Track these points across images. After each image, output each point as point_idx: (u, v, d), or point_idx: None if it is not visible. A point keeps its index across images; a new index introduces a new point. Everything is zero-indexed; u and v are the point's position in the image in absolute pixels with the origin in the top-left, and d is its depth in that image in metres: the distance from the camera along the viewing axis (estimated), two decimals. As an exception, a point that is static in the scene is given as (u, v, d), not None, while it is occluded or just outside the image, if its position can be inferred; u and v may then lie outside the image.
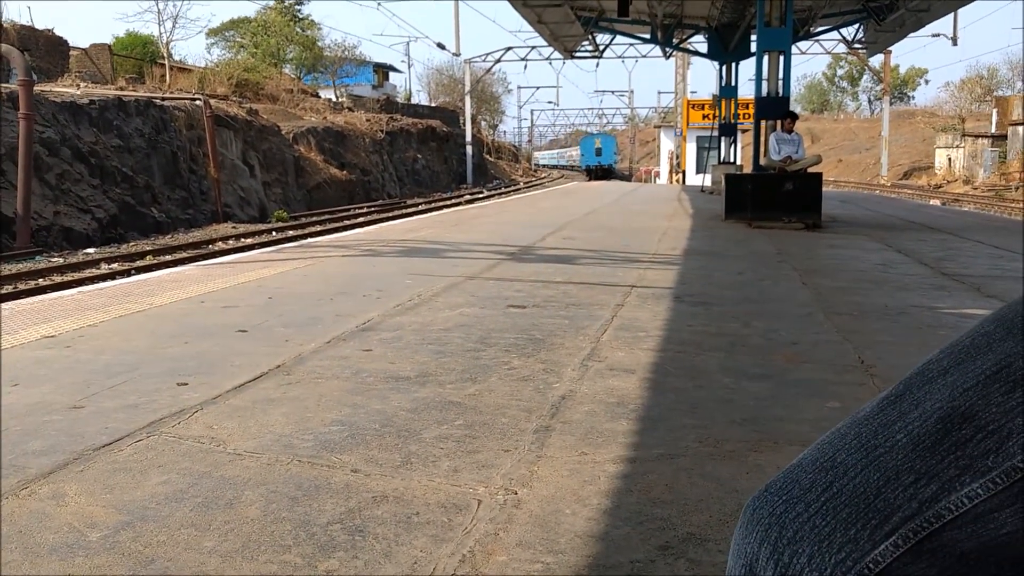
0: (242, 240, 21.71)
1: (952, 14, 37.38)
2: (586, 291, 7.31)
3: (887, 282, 7.99)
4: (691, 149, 46.85)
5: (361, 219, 28.74)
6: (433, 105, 69.77)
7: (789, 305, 6.74)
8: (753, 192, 14.91)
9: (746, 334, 5.61)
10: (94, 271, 16.26)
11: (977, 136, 47.79)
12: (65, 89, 24.76)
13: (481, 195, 44.35)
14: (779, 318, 6.18)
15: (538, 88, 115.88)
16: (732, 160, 26.21)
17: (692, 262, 9.49)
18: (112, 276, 15.41)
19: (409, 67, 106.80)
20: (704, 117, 44.99)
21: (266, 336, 5.45)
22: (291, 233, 23.63)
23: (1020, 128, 42.64)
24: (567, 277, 8.16)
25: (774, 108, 15.90)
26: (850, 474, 0.77)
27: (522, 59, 57.09)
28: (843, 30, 28.20)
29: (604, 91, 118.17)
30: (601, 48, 34.47)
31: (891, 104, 65.30)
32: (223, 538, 2.64)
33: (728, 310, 6.44)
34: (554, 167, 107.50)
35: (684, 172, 46.31)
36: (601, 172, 72.35)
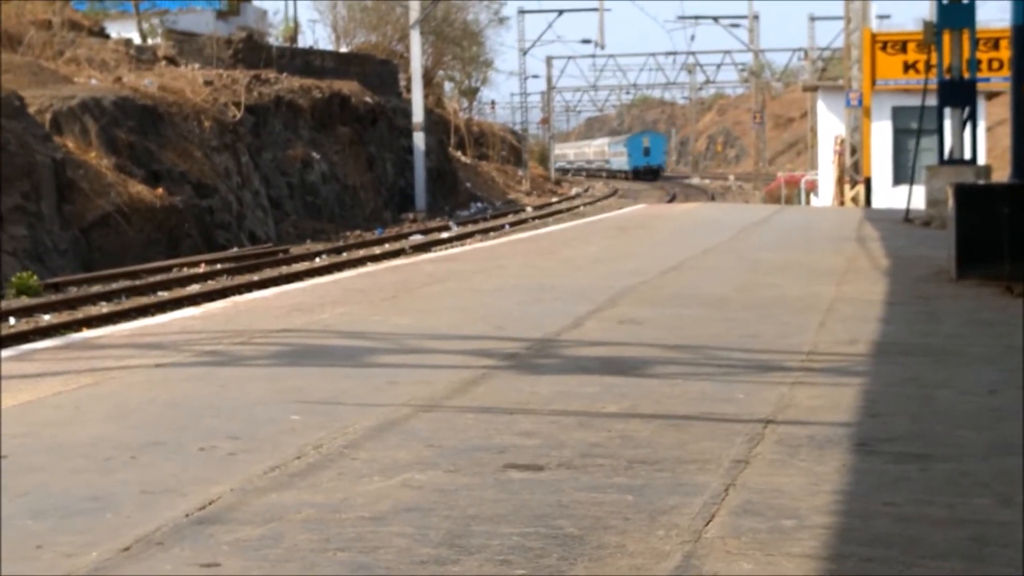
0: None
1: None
2: (668, 433, 4.96)
3: None
4: (882, 133, 28.64)
5: (195, 288, 18.63)
6: (344, 51, 44.59)
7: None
8: (1014, 222, 9.65)
9: (1008, 521, 3.76)
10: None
11: None
12: None
13: (446, 235, 29.32)
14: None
15: (560, 13, 61.80)
16: (968, 157, 16.86)
17: (891, 370, 6.55)
18: None
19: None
20: (908, 68, 27.65)
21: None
22: (48, 320, 15.09)
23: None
24: (629, 404, 5.59)
25: None
26: None
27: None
28: None
29: (699, 17, 65.10)
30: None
31: None
32: None
33: (969, 470, 4.46)
34: (586, 171, 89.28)
35: (868, 181, 28.32)
36: (649, 173, 77.75)
